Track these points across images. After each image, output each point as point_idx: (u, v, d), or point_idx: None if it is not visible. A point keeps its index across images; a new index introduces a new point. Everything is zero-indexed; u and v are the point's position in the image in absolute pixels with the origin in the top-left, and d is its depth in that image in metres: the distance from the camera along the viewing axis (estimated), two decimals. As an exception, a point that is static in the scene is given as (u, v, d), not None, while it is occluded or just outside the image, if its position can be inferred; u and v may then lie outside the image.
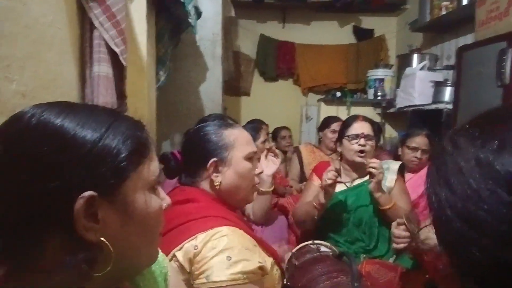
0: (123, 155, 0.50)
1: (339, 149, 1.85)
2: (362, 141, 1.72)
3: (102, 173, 0.48)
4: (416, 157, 2.19)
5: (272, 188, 1.65)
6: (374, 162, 1.64)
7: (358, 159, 1.72)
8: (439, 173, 0.44)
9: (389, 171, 1.80)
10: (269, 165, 1.63)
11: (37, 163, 0.46)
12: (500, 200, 0.36)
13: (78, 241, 0.47)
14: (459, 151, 0.42)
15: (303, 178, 2.73)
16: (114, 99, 1.27)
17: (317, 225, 1.76)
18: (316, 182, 1.85)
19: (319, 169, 1.90)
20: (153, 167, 0.56)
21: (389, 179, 1.78)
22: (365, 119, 1.84)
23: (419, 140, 2.22)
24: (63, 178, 0.46)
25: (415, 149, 2.21)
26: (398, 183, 1.78)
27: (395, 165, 1.83)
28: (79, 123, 0.48)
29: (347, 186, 1.78)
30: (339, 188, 1.77)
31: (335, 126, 2.73)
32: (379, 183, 1.64)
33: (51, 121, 0.48)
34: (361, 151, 1.73)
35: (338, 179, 1.65)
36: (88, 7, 1.22)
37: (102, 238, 0.48)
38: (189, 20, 1.97)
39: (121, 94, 1.42)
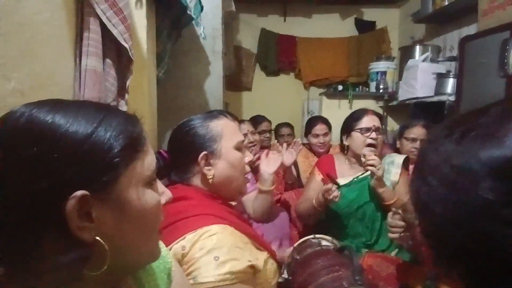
0: (115, 150, 0.49)
1: (345, 143, 1.83)
2: (373, 134, 1.73)
3: (94, 170, 0.47)
4: (415, 147, 2.19)
5: (273, 187, 1.61)
6: (372, 159, 1.62)
7: (367, 152, 1.70)
8: (417, 161, 0.46)
9: (393, 165, 1.79)
10: (270, 164, 1.60)
11: (28, 163, 0.45)
12: (458, 190, 0.38)
13: (73, 240, 0.46)
14: (431, 142, 0.43)
15: (300, 185, 2.56)
16: (103, 93, 1.25)
17: (320, 218, 1.76)
18: (318, 177, 1.85)
19: (321, 164, 1.91)
20: (148, 161, 0.55)
21: (394, 173, 1.77)
22: (374, 112, 1.84)
23: (417, 131, 2.23)
24: (54, 177, 0.45)
25: (413, 140, 2.22)
26: (403, 177, 1.77)
27: (400, 158, 1.81)
28: (69, 120, 0.48)
29: (341, 185, 1.73)
30: (343, 181, 1.76)
31: (317, 130, 2.66)
32: (379, 179, 1.63)
33: (40, 120, 0.47)
34: (373, 145, 1.73)
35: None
36: (95, 1, 1.21)
37: (97, 237, 0.47)
38: (188, 12, 1.94)
39: (121, 90, 1.40)
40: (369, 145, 1.73)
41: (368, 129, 1.74)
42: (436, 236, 0.41)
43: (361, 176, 1.77)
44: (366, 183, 1.73)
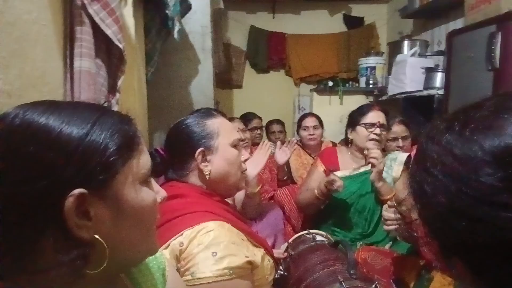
0: (111, 149, 0.49)
1: (350, 136, 1.85)
2: (378, 130, 1.75)
3: (91, 169, 0.47)
4: (399, 146, 2.16)
5: (258, 188, 1.62)
6: (375, 152, 1.65)
7: (371, 145, 1.73)
8: (418, 155, 0.47)
9: (396, 162, 1.81)
10: (253, 165, 1.58)
11: (24, 163, 0.45)
12: (461, 179, 0.39)
13: (71, 239, 0.46)
14: (431, 136, 0.44)
15: (292, 182, 2.54)
16: (97, 94, 1.25)
17: (320, 208, 1.77)
18: (320, 168, 1.87)
19: (324, 156, 1.94)
20: (144, 160, 0.56)
21: (395, 170, 1.80)
22: (380, 108, 1.84)
23: (395, 129, 2.19)
24: (51, 177, 0.45)
25: (394, 139, 2.18)
26: (404, 174, 1.78)
27: (403, 156, 1.83)
28: (64, 120, 0.48)
29: (344, 176, 1.77)
30: (345, 174, 1.78)
31: (306, 122, 2.69)
32: (379, 173, 1.65)
33: (35, 120, 0.47)
34: (376, 141, 1.74)
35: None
36: (87, 2, 1.19)
37: (95, 236, 0.48)
38: (166, 11, 1.91)
39: (112, 90, 1.39)
40: (372, 140, 1.75)
41: (372, 125, 1.76)
42: (440, 225, 0.42)
43: (363, 169, 1.79)
44: (368, 176, 1.75)
